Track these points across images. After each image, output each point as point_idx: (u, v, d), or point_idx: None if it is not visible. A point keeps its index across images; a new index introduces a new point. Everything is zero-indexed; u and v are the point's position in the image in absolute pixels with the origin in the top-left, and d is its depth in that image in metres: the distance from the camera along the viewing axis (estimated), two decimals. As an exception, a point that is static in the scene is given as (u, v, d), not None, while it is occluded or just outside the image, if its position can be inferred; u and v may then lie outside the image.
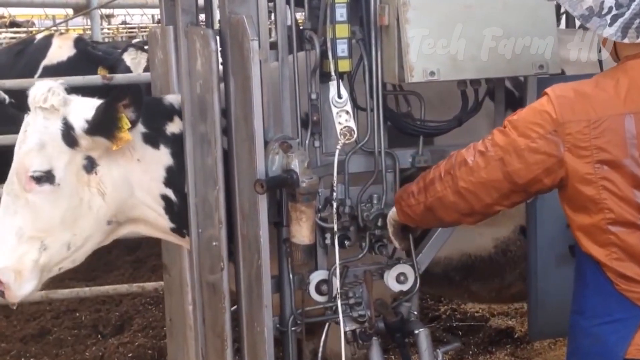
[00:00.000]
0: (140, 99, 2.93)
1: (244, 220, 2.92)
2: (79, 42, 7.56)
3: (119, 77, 5.67)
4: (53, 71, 7.05)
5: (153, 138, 3.06)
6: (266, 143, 2.81)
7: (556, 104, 2.35)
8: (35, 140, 2.93)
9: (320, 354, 3.04)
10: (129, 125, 2.90)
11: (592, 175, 2.32)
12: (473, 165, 2.46)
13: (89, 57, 7.31)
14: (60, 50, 7.37)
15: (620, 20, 2.33)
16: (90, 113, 2.94)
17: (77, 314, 6.03)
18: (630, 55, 2.38)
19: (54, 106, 2.92)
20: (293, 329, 2.97)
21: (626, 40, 2.34)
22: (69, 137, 2.93)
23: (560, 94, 2.38)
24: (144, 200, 3.06)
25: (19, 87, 5.65)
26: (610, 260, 2.35)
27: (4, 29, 19.18)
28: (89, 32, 11.94)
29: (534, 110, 2.41)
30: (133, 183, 3.02)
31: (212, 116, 2.90)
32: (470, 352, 5.45)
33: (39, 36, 7.77)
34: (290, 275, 2.94)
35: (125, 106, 2.89)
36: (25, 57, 7.43)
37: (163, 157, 3.07)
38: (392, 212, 2.87)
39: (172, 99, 3.19)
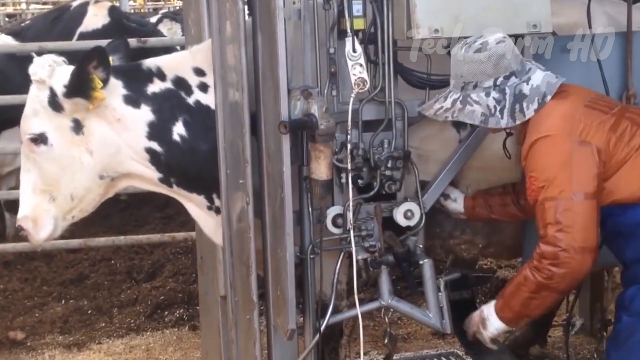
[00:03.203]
0: (107, 59, 3.30)
1: (270, 160, 3.29)
2: (113, 10, 7.89)
3: (153, 41, 6.04)
4: (88, 38, 7.39)
5: (134, 99, 3.40)
6: (289, 91, 3.18)
7: None
8: (30, 108, 3.40)
9: (334, 280, 3.41)
10: (101, 84, 3.28)
11: None
12: None
13: (123, 28, 7.62)
14: (96, 18, 7.70)
15: (505, 110, 3.05)
16: (67, 79, 3.32)
17: (112, 262, 6.46)
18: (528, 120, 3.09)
19: (42, 78, 3.34)
20: (312, 256, 3.35)
21: (518, 122, 3.06)
22: (54, 103, 3.33)
23: None
24: (130, 154, 3.41)
25: (60, 49, 6.05)
26: None
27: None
28: (116, 4, 12.29)
29: None
30: (118, 141, 3.39)
31: (240, 68, 3.27)
32: (478, 301, 5.81)
33: (74, 3, 8.12)
34: (310, 209, 3.32)
35: (95, 67, 3.27)
36: (62, 23, 7.76)
37: (144, 114, 3.40)
38: (496, 330, 3.28)
39: (149, 63, 3.53)
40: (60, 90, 3.32)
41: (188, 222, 6.30)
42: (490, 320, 3.27)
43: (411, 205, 3.45)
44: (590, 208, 2.98)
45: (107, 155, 3.38)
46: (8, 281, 6.27)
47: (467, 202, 3.63)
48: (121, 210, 7.51)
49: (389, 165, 3.36)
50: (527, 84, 3.10)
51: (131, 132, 3.40)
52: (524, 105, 3.08)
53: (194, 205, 3.62)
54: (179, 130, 3.44)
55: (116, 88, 3.37)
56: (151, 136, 3.41)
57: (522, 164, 3.15)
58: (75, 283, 6.22)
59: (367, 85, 3.20)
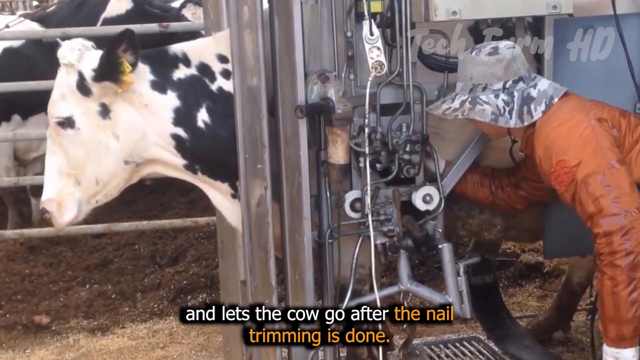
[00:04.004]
0: (136, 42, 3.30)
1: (287, 144, 3.29)
2: (136, -4, 7.90)
3: (175, 25, 6.04)
4: (112, 24, 7.40)
5: (161, 85, 3.41)
6: (306, 75, 3.17)
7: None
8: (58, 92, 3.40)
9: (353, 265, 3.40)
10: (130, 68, 3.29)
11: None
12: None
13: (146, 14, 7.62)
14: (119, 4, 7.69)
15: (514, 112, 3.11)
16: (96, 63, 3.33)
17: (136, 247, 6.50)
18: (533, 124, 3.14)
19: (70, 62, 3.35)
20: (330, 241, 3.34)
21: (525, 123, 3.12)
22: (82, 87, 3.34)
23: None
24: (155, 141, 3.43)
25: (82, 34, 6.07)
26: None
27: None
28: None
29: None
30: (144, 126, 3.40)
31: (257, 52, 3.26)
32: (502, 285, 5.78)
33: (99, -11, 8.11)
34: (327, 194, 3.31)
35: (124, 51, 3.27)
36: (86, 8, 7.76)
37: (170, 100, 3.42)
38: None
39: (175, 48, 3.54)
40: (89, 74, 3.33)
41: (211, 207, 6.28)
42: (620, 357, 2.92)
43: (430, 189, 3.43)
44: (627, 172, 2.99)
45: (133, 140, 3.40)
46: (33, 266, 6.33)
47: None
48: (145, 195, 7.55)
49: (407, 149, 3.34)
50: (534, 88, 3.18)
51: (157, 118, 3.41)
52: (532, 107, 3.14)
53: (218, 193, 3.62)
54: (202, 116, 3.45)
55: (143, 73, 3.39)
56: (177, 122, 3.42)
57: (538, 162, 3.14)
58: (100, 268, 6.27)
59: (385, 69, 3.18)
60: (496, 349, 4.67)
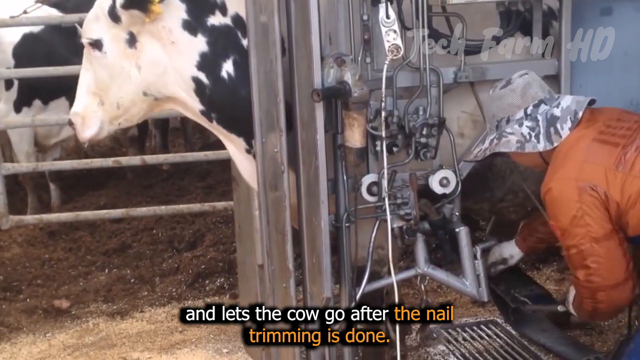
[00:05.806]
0: None
1: (303, 128, 3.29)
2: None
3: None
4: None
5: (193, 26, 3.42)
6: (322, 59, 3.17)
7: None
8: (93, 13, 3.46)
9: (370, 249, 3.40)
10: None
11: None
12: None
13: None
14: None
15: (541, 135, 3.12)
16: None
17: (155, 232, 6.52)
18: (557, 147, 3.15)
19: None
20: (347, 224, 3.34)
21: (555, 144, 3.12)
22: (113, 13, 3.38)
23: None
24: (176, 80, 3.45)
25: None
26: None
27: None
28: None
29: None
30: (166, 63, 3.43)
31: (273, 36, 3.25)
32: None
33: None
34: (344, 177, 3.31)
35: None
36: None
37: (199, 44, 3.42)
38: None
39: None
40: (119, 1, 3.35)
41: (228, 192, 6.33)
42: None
43: (447, 173, 3.42)
44: (610, 247, 3.08)
45: (154, 74, 3.44)
46: (53, 251, 6.39)
47: (520, 245, 3.78)
48: (163, 180, 7.58)
49: (424, 132, 3.33)
50: (558, 107, 3.19)
51: (182, 57, 3.43)
52: (558, 126, 3.16)
53: (233, 146, 3.65)
54: (228, 68, 3.45)
55: (178, 11, 3.40)
56: (201, 67, 3.44)
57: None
58: (118, 252, 6.31)
59: (401, 52, 3.17)
60: (514, 332, 4.67)
